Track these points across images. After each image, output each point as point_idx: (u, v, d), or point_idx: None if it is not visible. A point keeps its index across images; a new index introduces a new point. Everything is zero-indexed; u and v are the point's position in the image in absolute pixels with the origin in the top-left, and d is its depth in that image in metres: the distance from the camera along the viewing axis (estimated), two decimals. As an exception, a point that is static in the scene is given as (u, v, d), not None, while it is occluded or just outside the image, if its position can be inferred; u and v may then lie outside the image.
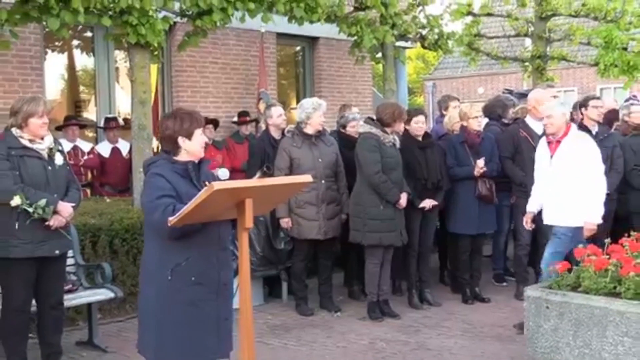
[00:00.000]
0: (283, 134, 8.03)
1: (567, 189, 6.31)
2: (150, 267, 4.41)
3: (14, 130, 5.49)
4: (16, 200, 5.27)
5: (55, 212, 5.45)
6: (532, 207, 6.89)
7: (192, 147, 4.48)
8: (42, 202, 5.35)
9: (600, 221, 6.48)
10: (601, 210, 6.46)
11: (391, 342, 6.55)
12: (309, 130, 7.49)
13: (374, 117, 7.61)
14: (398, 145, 7.44)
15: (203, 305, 4.40)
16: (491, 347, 6.42)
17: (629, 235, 5.94)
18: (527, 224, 7.04)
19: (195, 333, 4.40)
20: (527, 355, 5.67)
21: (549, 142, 6.59)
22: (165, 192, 4.24)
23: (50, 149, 5.63)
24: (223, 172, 4.67)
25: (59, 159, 5.69)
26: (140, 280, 4.58)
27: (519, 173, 7.75)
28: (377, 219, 7.11)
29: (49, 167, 5.58)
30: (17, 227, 5.37)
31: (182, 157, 4.46)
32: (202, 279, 4.37)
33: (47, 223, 5.42)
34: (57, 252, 5.63)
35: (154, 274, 4.35)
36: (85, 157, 9.48)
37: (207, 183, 4.29)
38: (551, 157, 6.53)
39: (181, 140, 4.42)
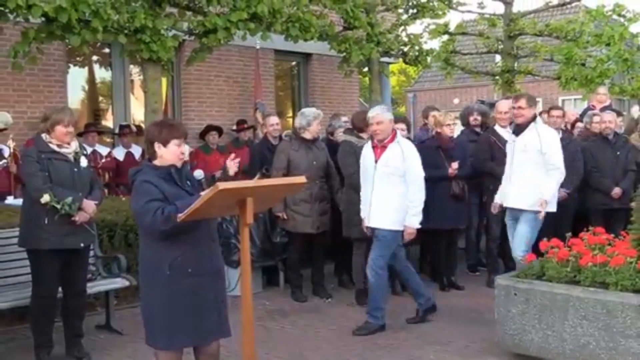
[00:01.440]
0: (280, 138, 8.09)
1: (390, 193, 6.13)
2: (149, 267, 4.37)
3: (44, 136, 5.54)
4: (45, 198, 5.30)
5: (80, 208, 5.48)
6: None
7: (166, 154, 4.37)
8: (69, 199, 5.38)
9: (418, 226, 6.40)
10: (419, 217, 6.35)
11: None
12: (307, 135, 7.50)
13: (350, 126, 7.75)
14: None
15: (202, 292, 4.38)
16: (466, 329, 6.43)
17: (588, 230, 6.00)
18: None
19: (198, 318, 4.39)
20: (497, 336, 5.70)
21: (374, 147, 6.41)
22: (153, 196, 4.20)
23: (76, 153, 5.67)
24: (198, 173, 4.67)
25: (83, 162, 5.72)
26: (141, 282, 4.50)
27: (499, 170, 7.76)
28: (357, 213, 6.95)
29: (75, 169, 5.60)
30: (46, 221, 5.39)
31: (161, 162, 4.39)
32: (197, 269, 4.34)
33: (73, 218, 5.45)
34: (81, 244, 5.66)
35: (154, 272, 4.32)
36: (103, 160, 9.48)
37: (188, 183, 4.42)
38: (376, 161, 6.34)
39: (157, 146, 4.36)
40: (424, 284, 6.86)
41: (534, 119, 6.62)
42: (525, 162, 6.54)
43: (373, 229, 6.40)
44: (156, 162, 4.42)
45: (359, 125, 7.45)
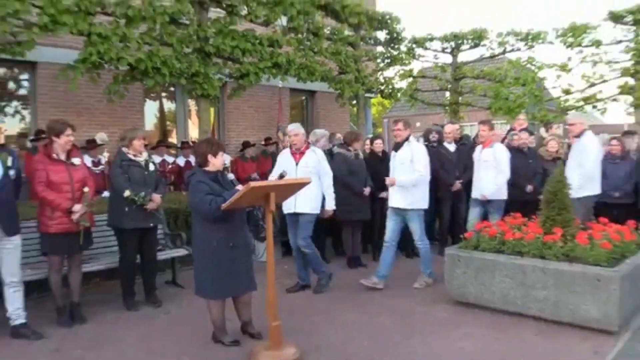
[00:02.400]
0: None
1: (309, 187, 5.32)
2: (201, 242, 4.43)
3: (124, 149, 5.58)
4: (126, 193, 5.35)
5: (150, 200, 5.52)
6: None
7: (215, 162, 4.51)
8: (142, 193, 5.44)
9: (334, 207, 6.21)
10: (333, 201, 6.19)
11: (360, 282, 6.43)
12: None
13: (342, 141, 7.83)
14: (361, 156, 7.48)
15: (238, 259, 4.46)
16: (421, 288, 6.36)
17: (509, 215, 6.05)
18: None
19: (235, 276, 4.46)
20: (446, 290, 5.73)
21: (293, 153, 6.16)
22: (208, 191, 4.29)
23: (146, 161, 5.71)
24: (230, 176, 4.71)
25: (151, 167, 5.78)
26: (195, 252, 4.54)
27: (447, 176, 7.77)
28: (347, 203, 7.00)
29: (145, 172, 5.66)
30: (126, 210, 5.44)
31: (210, 168, 4.49)
32: (235, 243, 4.41)
33: (145, 207, 5.49)
34: (151, 224, 5.71)
35: (205, 246, 4.39)
36: (170, 166, 9.50)
37: (232, 183, 4.60)
38: (296, 163, 6.09)
39: (210, 157, 4.47)
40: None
41: (407, 138, 6.27)
42: (402, 171, 6.18)
43: (298, 214, 6.10)
44: (207, 168, 4.48)
45: (347, 141, 7.50)
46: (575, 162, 6.30)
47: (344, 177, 7.10)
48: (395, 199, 6.22)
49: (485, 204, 6.80)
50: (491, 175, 6.71)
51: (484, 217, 6.79)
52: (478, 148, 7.04)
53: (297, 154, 6.18)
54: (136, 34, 7.65)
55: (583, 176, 6.13)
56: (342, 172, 7.11)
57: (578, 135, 6.44)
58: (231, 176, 4.95)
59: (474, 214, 6.92)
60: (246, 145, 10.63)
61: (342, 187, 7.03)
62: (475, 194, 6.88)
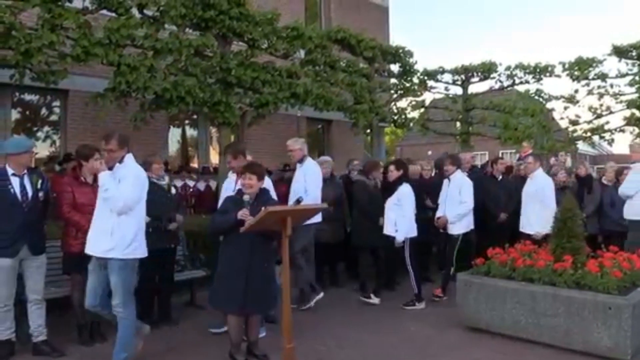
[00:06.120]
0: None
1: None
2: (224, 256, 4.41)
3: (147, 173, 5.53)
4: (146, 219, 5.27)
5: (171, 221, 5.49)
6: None
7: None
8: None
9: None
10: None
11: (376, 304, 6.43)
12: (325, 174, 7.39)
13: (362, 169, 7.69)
14: (379, 185, 7.38)
15: (257, 278, 4.38)
16: (435, 310, 6.29)
17: (520, 242, 5.90)
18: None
19: (253, 295, 4.39)
20: (458, 315, 5.59)
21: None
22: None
23: (168, 184, 5.72)
24: (247, 197, 4.52)
25: (172, 190, 5.76)
26: (218, 266, 4.48)
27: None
28: (363, 230, 6.84)
29: (167, 195, 5.65)
30: (149, 230, 5.35)
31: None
32: (255, 262, 4.36)
33: (167, 228, 5.45)
34: (172, 245, 5.68)
35: (227, 258, 4.36)
36: (191, 190, 9.52)
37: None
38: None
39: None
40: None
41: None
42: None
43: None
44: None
45: (368, 169, 7.36)
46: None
47: (364, 205, 6.95)
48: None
49: None
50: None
51: None
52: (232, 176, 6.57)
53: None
54: (163, 65, 7.76)
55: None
56: (363, 199, 6.97)
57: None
58: (247, 197, 4.85)
59: None
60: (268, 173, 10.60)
61: (361, 215, 6.91)
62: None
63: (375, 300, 6.44)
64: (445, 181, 6.85)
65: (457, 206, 6.53)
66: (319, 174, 6.18)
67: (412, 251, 6.41)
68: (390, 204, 6.42)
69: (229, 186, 5.50)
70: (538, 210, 6.43)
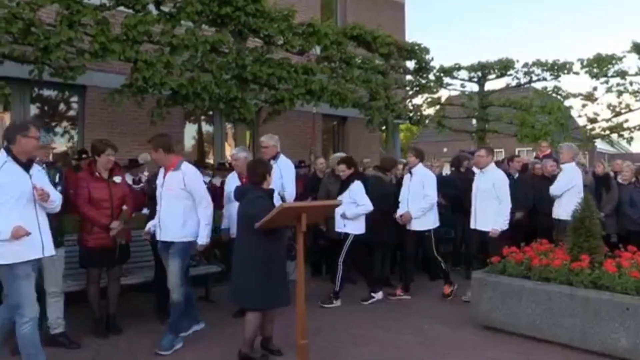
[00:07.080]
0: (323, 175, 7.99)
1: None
2: (248, 252, 4.35)
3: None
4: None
5: None
6: None
7: (270, 181, 4.53)
8: None
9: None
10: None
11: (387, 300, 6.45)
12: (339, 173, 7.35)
13: (379, 165, 7.60)
14: (394, 181, 7.33)
15: (281, 271, 4.46)
16: (449, 308, 6.26)
17: (536, 241, 5.82)
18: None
19: (279, 288, 4.42)
20: (472, 314, 5.53)
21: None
22: (268, 207, 4.23)
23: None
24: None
25: None
26: (239, 264, 4.41)
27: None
28: (378, 226, 6.72)
29: None
30: None
31: (265, 186, 4.47)
32: (279, 255, 4.42)
33: None
34: None
35: (252, 255, 4.31)
36: (207, 186, 9.52)
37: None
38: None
39: (267, 177, 4.47)
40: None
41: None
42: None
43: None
44: (263, 186, 4.44)
45: (387, 167, 7.35)
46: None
47: (378, 200, 6.84)
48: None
49: None
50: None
51: None
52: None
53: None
54: (179, 61, 7.78)
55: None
56: (377, 195, 6.85)
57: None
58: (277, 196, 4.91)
59: None
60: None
61: (375, 210, 6.85)
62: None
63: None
64: (407, 175, 6.73)
65: (420, 201, 6.42)
66: (293, 170, 6.15)
67: (352, 249, 6.31)
68: (345, 200, 6.30)
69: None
70: (493, 207, 6.09)
